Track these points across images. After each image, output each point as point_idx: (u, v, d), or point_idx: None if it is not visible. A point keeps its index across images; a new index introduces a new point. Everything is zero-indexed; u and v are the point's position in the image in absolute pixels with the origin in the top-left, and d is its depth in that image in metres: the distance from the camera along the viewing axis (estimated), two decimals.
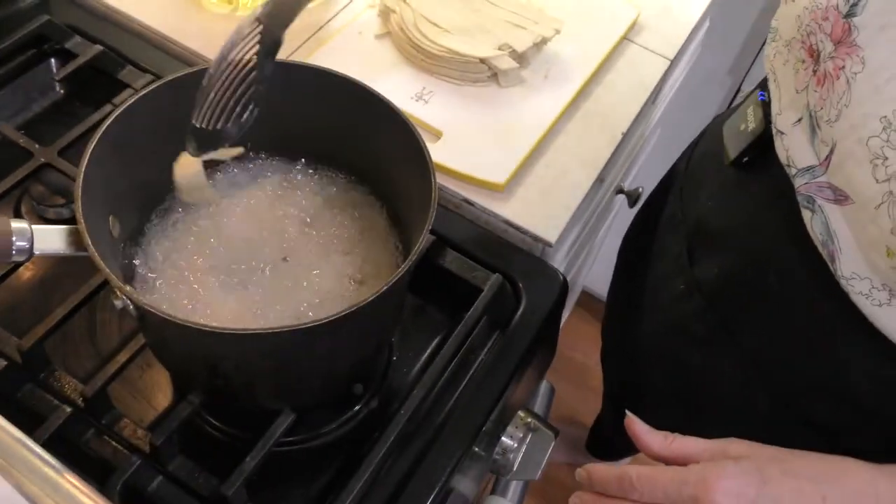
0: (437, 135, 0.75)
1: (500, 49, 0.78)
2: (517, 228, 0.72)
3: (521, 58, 0.79)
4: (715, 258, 0.63)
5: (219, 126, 0.52)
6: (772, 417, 0.61)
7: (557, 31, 0.82)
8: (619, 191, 1.00)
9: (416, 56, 0.79)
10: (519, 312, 0.67)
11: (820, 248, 0.50)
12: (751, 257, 0.59)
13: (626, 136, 0.81)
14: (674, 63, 0.89)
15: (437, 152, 0.73)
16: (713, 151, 0.67)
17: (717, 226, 0.64)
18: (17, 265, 0.63)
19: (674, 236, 0.70)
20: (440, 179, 0.73)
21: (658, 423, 0.54)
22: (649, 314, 0.74)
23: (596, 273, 1.63)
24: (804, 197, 0.51)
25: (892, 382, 0.52)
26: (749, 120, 0.59)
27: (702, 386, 0.67)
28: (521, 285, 0.68)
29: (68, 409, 0.55)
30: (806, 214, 0.51)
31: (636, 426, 0.53)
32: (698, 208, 0.67)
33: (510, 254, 0.70)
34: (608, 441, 1.43)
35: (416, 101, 0.77)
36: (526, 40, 0.79)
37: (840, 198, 0.48)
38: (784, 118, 0.54)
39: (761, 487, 0.47)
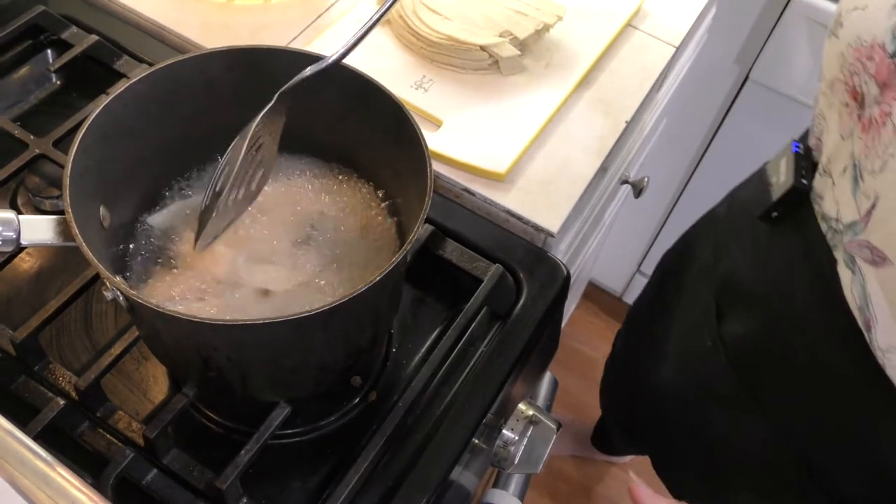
0: (437, 123, 0.74)
1: (500, 36, 0.77)
2: (518, 218, 0.71)
3: (522, 45, 0.78)
4: (741, 317, 0.61)
5: (229, 204, 0.53)
6: (798, 488, 0.58)
7: (560, 18, 0.80)
8: (625, 181, 0.98)
9: (416, 44, 0.78)
10: (520, 304, 0.66)
11: (856, 315, 0.47)
12: (776, 321, 0.56)
13: (631, 124, 0.80)
14: (679, 50, 0.88)
15: (437, 141, 0.72)
16: (755, 199, 0.63)
17: (745, 282, 0.61)
18: (13, 256, 0.63)
19: (705, 286, 0.67)
20: (440, 168, 0.72)
21: (670, 477, 0.52)
22: (673, 364, 0.71)
23: (603, 265, 1.62)
24: (848, 256, 0.47)
25: None
26: (781, 172, 0.56)
27: (724, 448, 0.65)
28: (522, 276, 0.67)
29: (62, 402, 0.55)
30: (845, 276, 0.47)
31: (639, 492, 0.53)
32: (729, 261, 0.64)
33: (511, 244, 0.69)
34: (609, 437, 1.42)
35: (416, 89, 0.76)
36: (527, 27, 0.78)
37: (878, 258, 0.44)
38: (834, 167, 0.50)
39: None
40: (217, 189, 0.51)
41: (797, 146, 0.55)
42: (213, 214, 0.52)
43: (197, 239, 0.53)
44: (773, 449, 0.59)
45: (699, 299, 0.68)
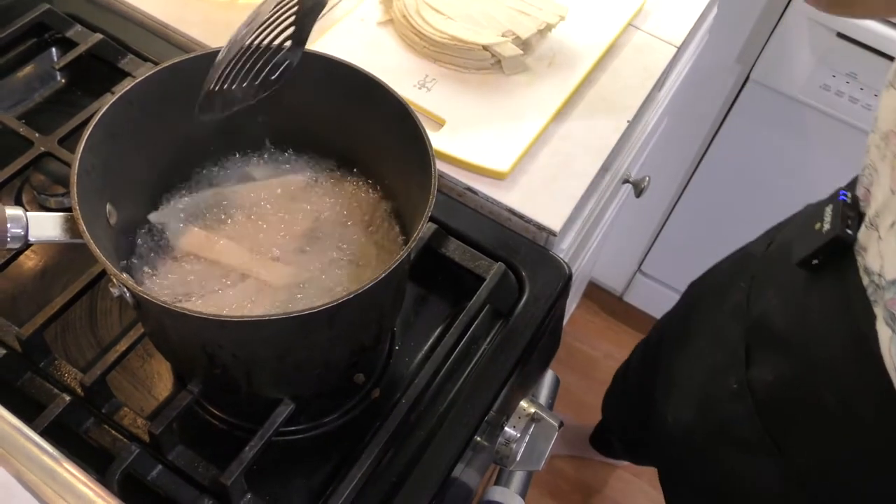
0: (440, 122, 0.75)
1: (503, 36, 0.77)
2: (521, 217, 0.71)
3: (524, 45, 0.79)
4: (771, 363, 0.59)
5: (243, 86, 0.51)
6: None
7: (562, 18, 0.81)
8: (626, 180, 0.99)
9: (419, 43, 0.78)
10: (522, 302, 0.66)
11: (892, 375, 0.46)
12: (808, 371, 0.55)
13: (632, 123, 0.80)
14: (680, 50, 0.88)
15: (440, 140, 0.73)
16: (796, 243, 0.61)
17: (778, 327, 0.59)
18: (17, 254, 0.63)
19: (736, 327, 0.66)
20: (443, 167, 0.73)
21: None
22: (694, 402, 0.70)
23: (604, 265, 1.63)
24: (888, 313, 0.46)
25: None
26: (825, 220, 0.54)
27: (738, 490, 0.63)
28: (524, 274, 0.68)
29: (67, 398, 0.55)
30: (884, 334, 0.46)
31: None
32: (763, 304, 0.63)
33: (514, 243, 0.70)
34: (608, 441, 1.41)
35: (419, 88, 0.76)
36: (530, 27, 0.78)
37: None
38: (882, 220, 0.49)
39: None
40: (234, 40, 0.48)
41: (845, 195, 0.54)
42: (222, 76, 0.49)
43: (200, 100, 0.51)
44: (789, 495, 0.58)
45: (728, 340, 0.66)
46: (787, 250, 0.62)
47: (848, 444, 0.53)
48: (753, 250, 0.73)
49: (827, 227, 0.54)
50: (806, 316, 0.56)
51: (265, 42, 0.50)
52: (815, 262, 0.55)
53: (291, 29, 0.51)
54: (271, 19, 0.49)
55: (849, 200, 0.54)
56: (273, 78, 0.53)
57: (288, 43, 0.52)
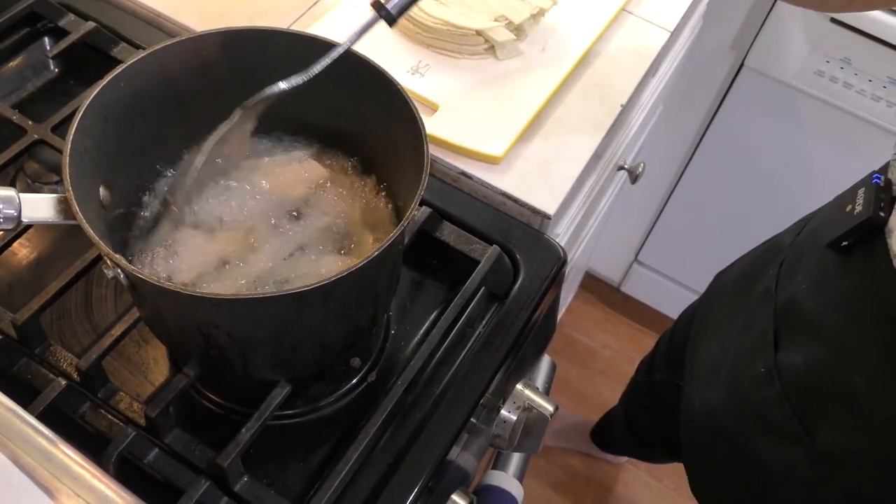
0: (434, 108, 0.75)
1: (496, 21, 0.77)
2: (515, 201, 0.71)
3: (518, 29, 0.79)
4: (801, 346, 0.59)
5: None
6: None
7: (555, 3, 0.81)
8: (621, 167, 0.99)
9: (412, 29, 0.78)
10: (517, 285, 0.66)
11: None
12: (837, 354, 0.55)
13: (626, 109, 0.80)
14: (674, 35, 0.88)
15: (434, 125, 0.73)
16: (827, 225, 0.62)
17: (808, 310, 0.59)
18: (12, 240, 0.63)
19: (764, 312, 0.66)
20: (437, 152, 0.73)
21: (705, 491, 0.51)
22: (723, 387, 0.70)
23: (601, 255, 1.63)
24: None
25: None
26: (857, 202, 0.54)
27: (767, 475, 0.63)
28: (519, 258, 0.68)
29: (63, 383, 0.55)
30: None
31: None
32: (792, 288, 0.63)
33: (508, 227, 0.70)
34: (612, 436, 1.40)
35: (412, 74, 0.76)
36: (523, 12, 0.78)
37: None
38: None
39: None
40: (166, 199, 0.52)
41: (878, 178, 0.54)
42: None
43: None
44: (820, 482, 0.58)
45: (757, 324, 0.66)
46: (817, 235, 0.62)
47: (876, 429, 0.53)
48: (783, 239, 0.73)
49: (859, 209, 0.54)
50: (835, 299, 0.56)
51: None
52: (844, 244, 0.55)
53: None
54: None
55: (882, 183, 0.54)
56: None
57: None
